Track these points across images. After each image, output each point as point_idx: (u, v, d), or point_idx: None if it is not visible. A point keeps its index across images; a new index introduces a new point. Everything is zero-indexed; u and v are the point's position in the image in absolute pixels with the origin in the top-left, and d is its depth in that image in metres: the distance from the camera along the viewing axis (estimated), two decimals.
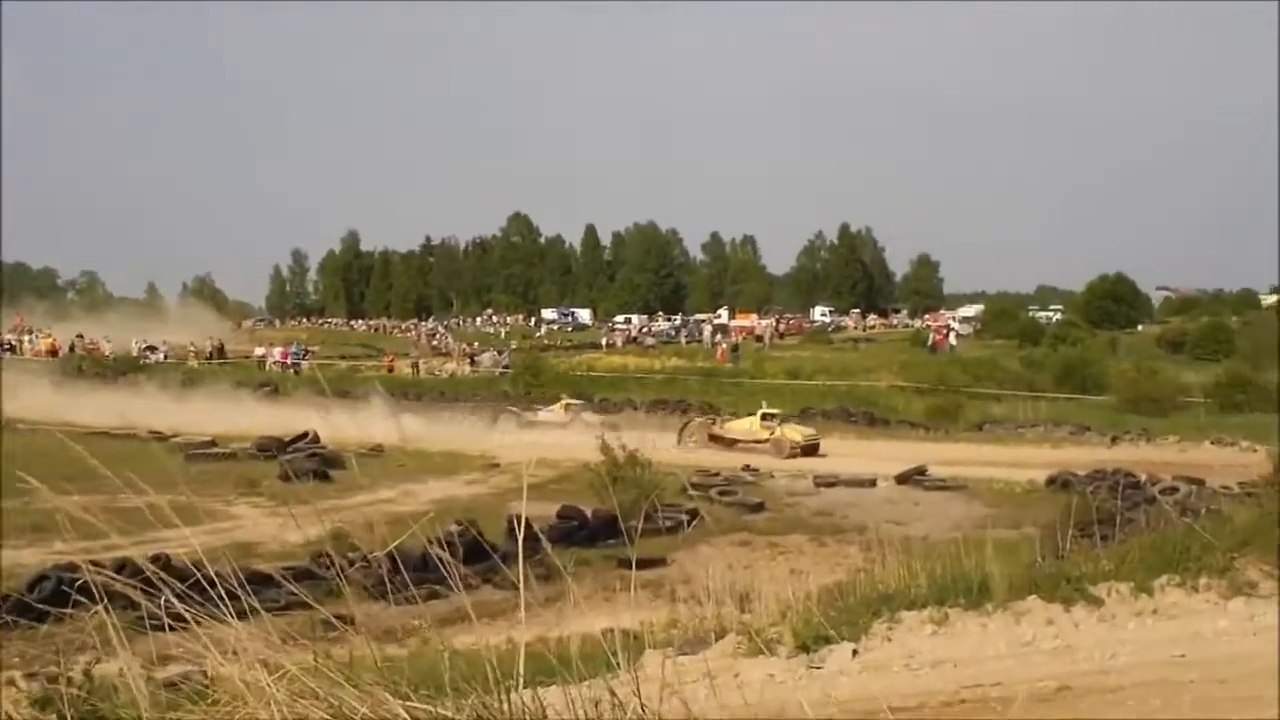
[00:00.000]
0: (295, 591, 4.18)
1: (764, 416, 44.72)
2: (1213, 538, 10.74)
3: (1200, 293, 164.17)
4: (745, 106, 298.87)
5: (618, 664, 4.26)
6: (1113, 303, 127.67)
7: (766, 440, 43.36)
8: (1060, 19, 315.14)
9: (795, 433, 44.00)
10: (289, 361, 77.66)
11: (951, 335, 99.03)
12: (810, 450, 42.58)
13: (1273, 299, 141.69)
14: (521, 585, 3.82)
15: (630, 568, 21.65)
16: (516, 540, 4.17)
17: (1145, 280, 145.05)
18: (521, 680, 3.77)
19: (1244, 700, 7.67)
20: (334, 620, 4.39)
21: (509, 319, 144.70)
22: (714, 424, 46.39)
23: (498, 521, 21.12)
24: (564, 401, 52.32)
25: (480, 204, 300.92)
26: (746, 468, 37.96)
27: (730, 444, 43.93)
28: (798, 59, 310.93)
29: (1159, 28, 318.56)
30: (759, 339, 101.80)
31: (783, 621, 9.50)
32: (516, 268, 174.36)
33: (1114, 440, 46.32)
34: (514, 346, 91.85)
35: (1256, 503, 13.23)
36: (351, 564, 11.74)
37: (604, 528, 24.91)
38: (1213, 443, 44.36)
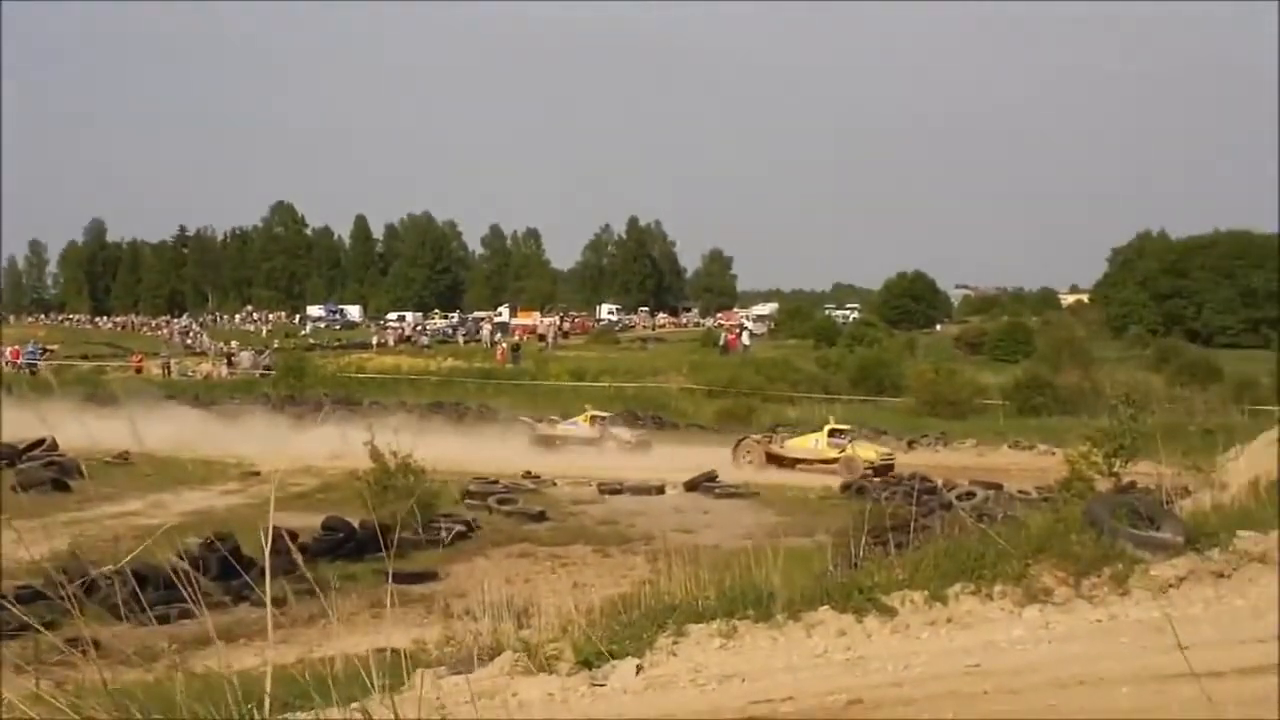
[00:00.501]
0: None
1: (831, 433, 42.16)
2: (1008, 544, 11.08)
3: (1000, 291, 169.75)
4: (529, 95, 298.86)
5: (374, 685, 4.19)
6: (911, 301, 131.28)
7: (835, 460, 40.77)
8: (867, 19, 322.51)
9: (869, 450, 41.53)
10: (21, 362, 74.93)
11: (744, 335, 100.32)
12: (884, 470, 39.36)
13: (1072, 299, 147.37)
14: (269, 602, 3.73)
15: (404, 582, 21.46)
16: (276, 554, 4.05)
17: (944, 278, 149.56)
18: (269, 705, 3.67)
19: (1037, 711, 7.92)
20: (60, 645, 4.22)
21: (271, 316, 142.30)
22: (771, 441, 43.85)
23: (257, 534, 20.62)
24: (589, 413, 49.12)
25: (241, 192, 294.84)
26: (527, 474, 37.84)
27: (792, 464, 41.62)
28: (587, 49, 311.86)
29: (964, 29, 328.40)
30: (542, 338, 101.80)
31: (563, 637, 9.49)
32: (279, 260, 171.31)
33: (910, 444, 47.45)
34: (276, 346, 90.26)
35: (1052, 508, 13.69)
36: (88, 583, 11.30)
37: (373, 540, 24.55)
38: (1011, 446, 45.92)
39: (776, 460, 42.03)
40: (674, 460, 40.47)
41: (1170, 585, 11.12)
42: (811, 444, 42.37)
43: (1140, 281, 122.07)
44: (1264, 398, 52.61)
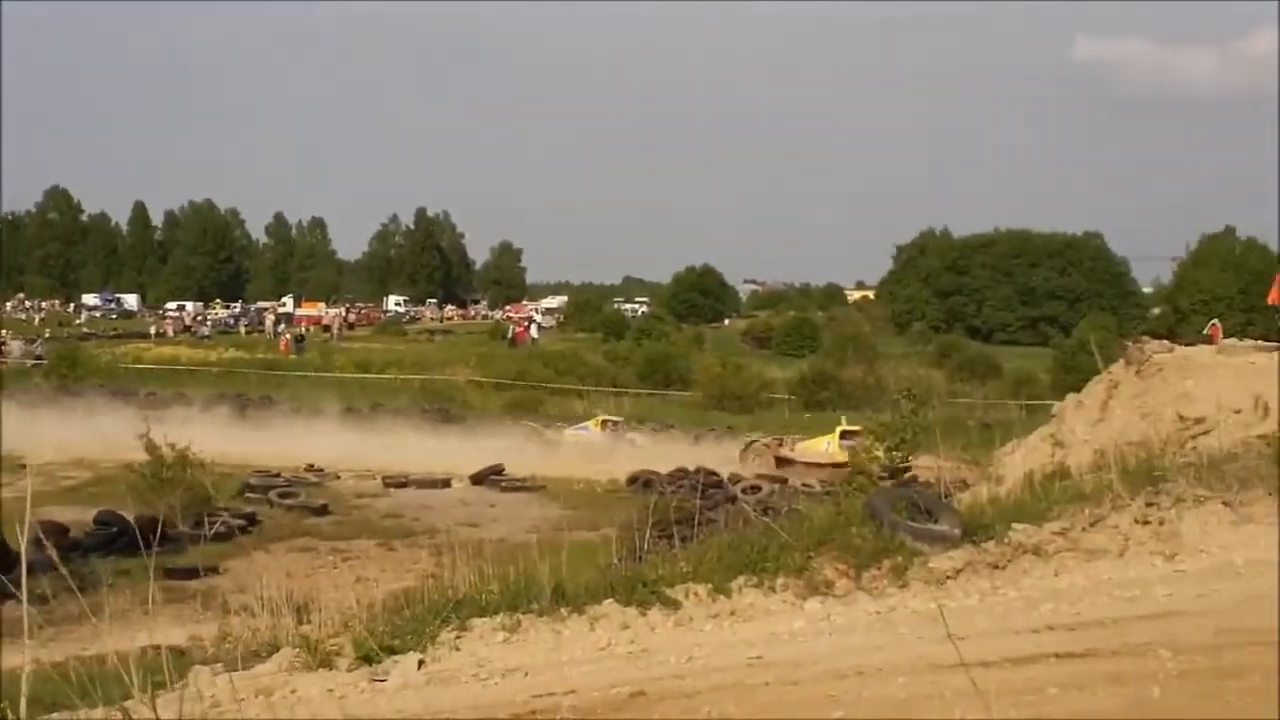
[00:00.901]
0: None
1: (844, 434, 39.44)
2: (791, 537, 11.30)
3: (787, 287, 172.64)
4: (316, 83, 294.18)
5: (134, 684, 4.10)
6: (699, 296, 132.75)
7: (846, 464, 38.76)
8: (662, 14, 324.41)
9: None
10: None
11: (533, 328, 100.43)
12: (899, 474, 37.79)
13: (858, 295, 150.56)
14: (24, 599, 3.62)
15: (177, 577, 20.99)
16: (43, 549, 3.97)
17: (733, 273, 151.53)
18: (24, 706, 3.57)
19: (815, 701, 8.09)
20: None
21: (44, 304, 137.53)
22: (781, 445, 42.52)
23: (23, 529, 20.00)
24: (600, 418, 47.89)
25: (13, 178, 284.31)
26: (310, 467, 37.33)
27: (805, 468, 39.40)
28: (375, 38, 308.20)
29: (760, 27, 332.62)
30: (327, 329, 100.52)
31: (345, 633, 9.41)
32: (53, 247, 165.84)
33: (697, 438, 47.92)
34: (48, 335, 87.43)
35: (834, 501, 13.96)
36: None
37: (148, 534, 23.95)
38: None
39: (785, 463, 40.58)
40: (465, 454, 40.29)
41: (948, 577, 11.45)
42: (823, 447, 40.87)
43: (923, 279, 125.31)
44: (1041, 393, 54.31)
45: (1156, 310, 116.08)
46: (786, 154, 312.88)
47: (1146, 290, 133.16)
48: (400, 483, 35.27)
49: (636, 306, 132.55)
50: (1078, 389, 19.95)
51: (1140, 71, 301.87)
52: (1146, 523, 13.68)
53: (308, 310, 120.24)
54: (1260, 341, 21.32)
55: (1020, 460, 17.14)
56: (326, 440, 43.67)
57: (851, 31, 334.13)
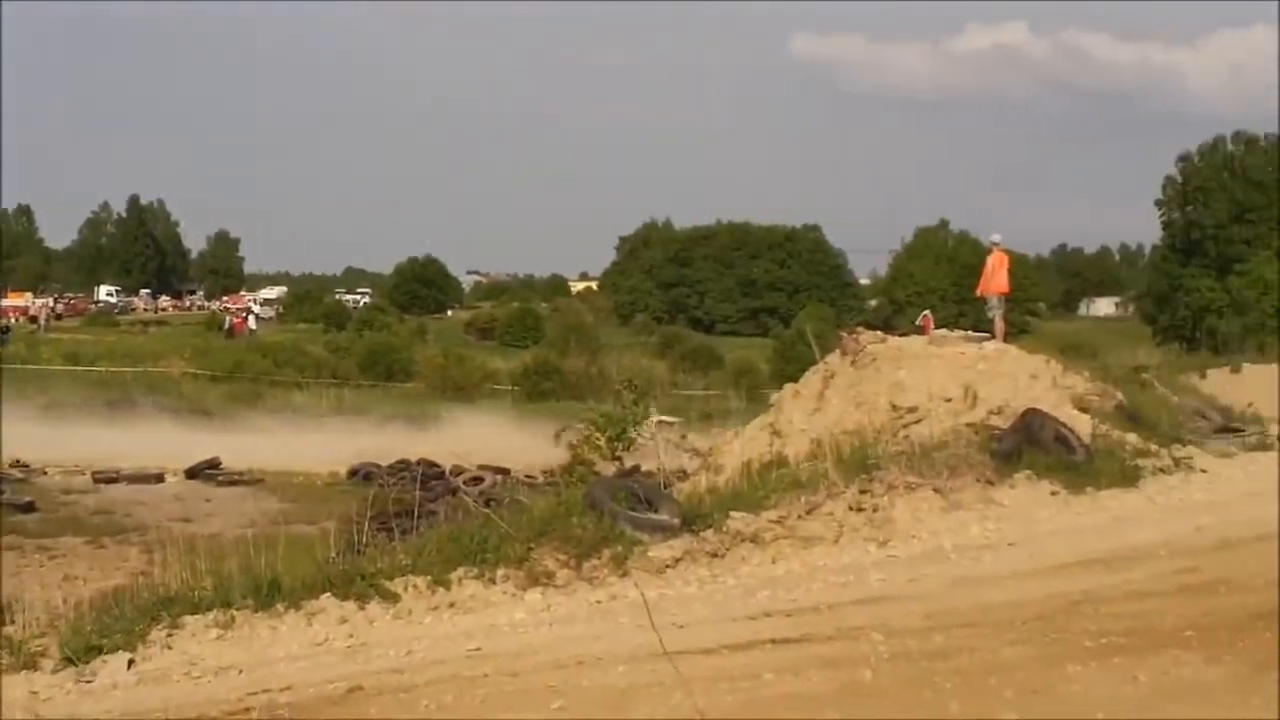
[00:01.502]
0: None
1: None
2: (511, 529, 11.33)
3: (511, 278, 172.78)
4: (32, 63, 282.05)
5: None
6: (422, 286, 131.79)
7: None
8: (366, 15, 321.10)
9: None
10: None
11: (251, 319, 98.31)
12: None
13: (582, 286, 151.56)
14: None
15: None
16: None
17: (456, 264, 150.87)
18: None
19: (535, 692, 8.15)
20: None
21: None
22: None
23: None
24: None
25: None
26: (16, 463, 35.84)
27: None
28: (85, 20, 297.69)
29: (480, 20, 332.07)
30: (34, 320, 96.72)
31: (51, 633, 9.13)
32: None
33: (419, 430, 47.57)
34: None
35: (555, 492, 14.05)
36: None
37: None
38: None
39: None
40: (180, 447, 39.20)
41: (667, 566, 11.63)
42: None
43: (646, 270, 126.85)
44: (761, 383, 55.46)
45: (873, 302, 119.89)
46: (508, 145, 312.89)
47: (864, 282, 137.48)
48: (111, 478, 34.10)
49: (358, 297, 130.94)
50: (796, 379, 20.49)
51: (856, 68, 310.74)
52: (861, 510, 14.13)
53: (13, 301, 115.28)
54: (970, 332, 22.22)
55: (739, 450, 17.50)
56: (31, 434, 41.89)
57: (564, 24, 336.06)
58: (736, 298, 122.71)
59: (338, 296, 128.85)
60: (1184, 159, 77.56)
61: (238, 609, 9.45)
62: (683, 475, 17.30)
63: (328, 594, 9.70)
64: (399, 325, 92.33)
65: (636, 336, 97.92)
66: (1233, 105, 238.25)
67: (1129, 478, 16.61)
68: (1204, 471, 17.85)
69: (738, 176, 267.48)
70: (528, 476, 30.80)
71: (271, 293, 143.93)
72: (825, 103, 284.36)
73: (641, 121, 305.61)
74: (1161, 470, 17.32)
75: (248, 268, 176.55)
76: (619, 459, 17.32)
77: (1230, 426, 21.26)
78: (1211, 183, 74.65)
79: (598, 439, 18.27)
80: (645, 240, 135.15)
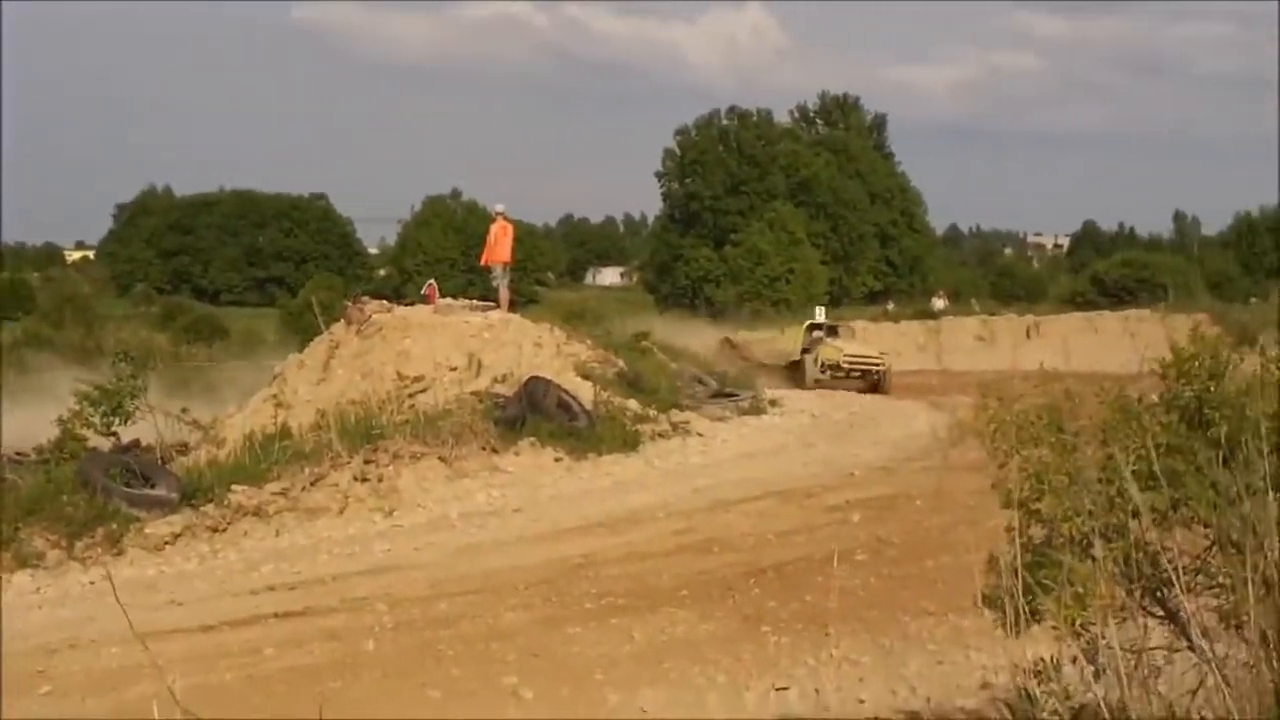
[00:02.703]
0: None
1: (812, 328, 33.18)
2: None
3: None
4: None
5: None
6: None
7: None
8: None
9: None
10: None
11: None
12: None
13: (78, 255, 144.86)
14: None
15: None
16: None
17: None
18: None
19: (23, 678, 7.82)
20: None
21: None
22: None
23: None
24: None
25: None
26: None
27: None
28: None
29: None
30: None
31: None
32: None
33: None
34: None
35: (46, 470, 13.44)
36: None
37: None
38: None
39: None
40: None
41: (166, 542, 11.35)
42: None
43: (146, 239, 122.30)
44: (268, 355, 54.53)
45: (383, 271, 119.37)
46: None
47: (373, 251, 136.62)
48: None
49: None
50: (303, 350, 20.26)
51: (357, 35, 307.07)
52: (366, 480, 14.16)
53: None
54: (476, 301, 22.53)
55: (241, 422, 17.18)
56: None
57: None
58: (242, 267, 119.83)
59: None
60: (681, 132, 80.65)
61: None
62: (184, 449, 16.80)
63: None
64: None
65: (137, 307, 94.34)
66: (729, 80, 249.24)
67: (630, 443, 17.28)
68: (700, 435, 18.78)
69: (243, 144, 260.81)
70: (17, 454, 29.23)
71: None
72: (328, 70, 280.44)
73: (137, 88, 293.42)
74: (660, 435, 18.12)
75: None
76: (114, 434, 16.65)
77: (725, 391, 22.43)
78: (708, 156, 77.90)
79: (90, 414, 17.46)
80: (144, 208, 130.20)
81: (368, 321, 18.74)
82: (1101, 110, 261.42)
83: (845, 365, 28.97)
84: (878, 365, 29.21)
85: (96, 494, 11.35)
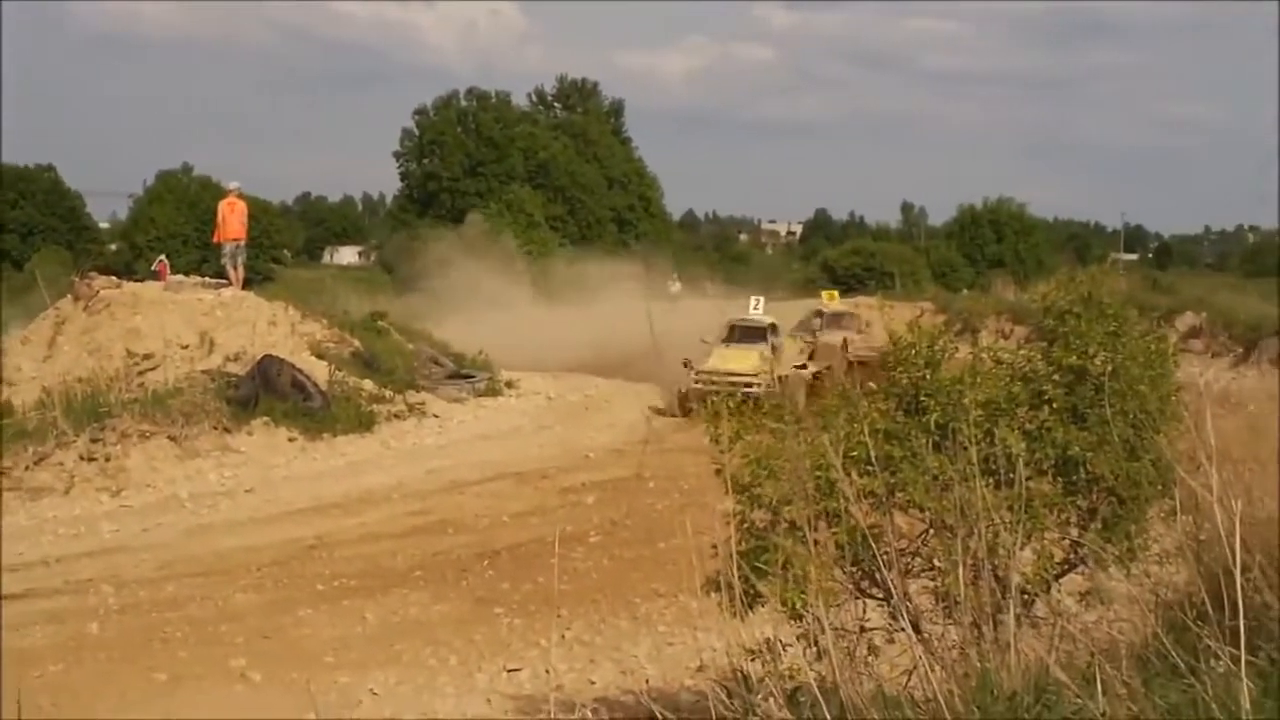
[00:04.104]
0: None
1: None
2: None
3: None
4: None
5: None
6: None
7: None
8: None
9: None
10: None
11: None
12: None
13: None
14: None
15: None
16: None
17: None
18: None
19: None
20: None
21: None
22: None
23: None
24: None
25: None
26: None
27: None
28: None
29: None
30: None
31: None
32: None
33: None
34: None
35: None
36: None
37: None
38: None
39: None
40: None
41: None
42: None
43: None
44: None
45: (114, 246, 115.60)
46: None
47: (104, 226, 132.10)
48: None
49: None
50: (28, 326, 19.56)
51: (84, 6, 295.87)
52: (93, 459, 13.77)
53: None
54: (208, 279, 22.03)
55: None
56: None
57: None
58: None
59: None
60: (420, 113, 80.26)
61: None
62: None
63: None
64: None
65: None
66: (469, 63, 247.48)
67: (365, 423, 17.17)
68: (436, 416, 18.74)
69: None
70: None
71: None
72: (56, 41, 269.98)
73: None
74: (396, 415, 18.04)
75: None
76: None
77: (461, 373, 22.38)
78: (446, 137, 77.53)
79: None
80: None
81: (96, 297, 18.18)
82: (833, 101, 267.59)
83: None
84: None
85: None
